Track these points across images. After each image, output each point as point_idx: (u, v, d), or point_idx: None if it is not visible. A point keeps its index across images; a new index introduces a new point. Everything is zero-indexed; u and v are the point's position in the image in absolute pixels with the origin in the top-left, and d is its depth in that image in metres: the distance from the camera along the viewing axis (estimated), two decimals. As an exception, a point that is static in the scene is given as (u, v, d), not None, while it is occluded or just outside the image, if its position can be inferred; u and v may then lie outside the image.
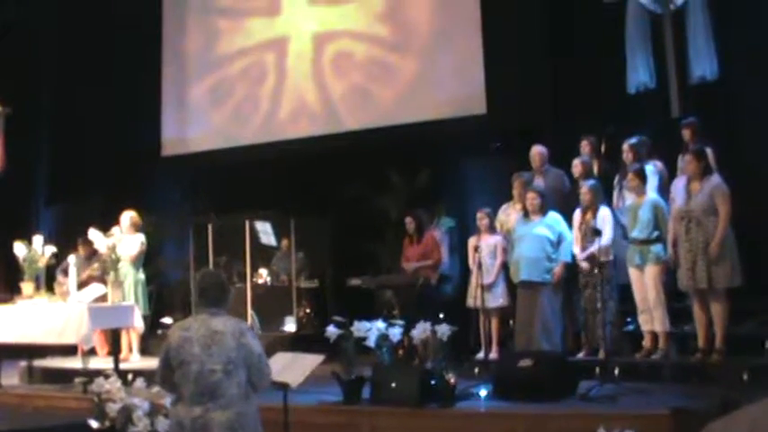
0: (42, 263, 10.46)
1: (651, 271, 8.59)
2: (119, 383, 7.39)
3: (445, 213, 11.97)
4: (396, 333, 8.16)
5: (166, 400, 6.68)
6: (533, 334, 9.08)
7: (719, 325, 8.15)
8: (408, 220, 10.84)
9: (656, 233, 8.60)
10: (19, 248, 10.29)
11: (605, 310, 8.71)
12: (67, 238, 11.97)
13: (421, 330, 7.90)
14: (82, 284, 10.50)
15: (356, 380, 7.89)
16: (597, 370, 8.49)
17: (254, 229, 13.27)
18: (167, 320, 12.35)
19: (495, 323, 9.91)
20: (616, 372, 8.39)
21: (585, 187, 9.18)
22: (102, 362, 10.16)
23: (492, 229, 10.06)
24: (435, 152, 12.52)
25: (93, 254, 11.31)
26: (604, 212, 9.04)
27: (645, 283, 8.65)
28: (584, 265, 9.08)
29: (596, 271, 8.84)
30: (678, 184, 8.51)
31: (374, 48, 13.66)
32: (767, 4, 9.91)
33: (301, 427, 6.71)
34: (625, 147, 9.32)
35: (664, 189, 9.08)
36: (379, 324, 8.20)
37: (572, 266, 9.25)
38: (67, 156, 14.67)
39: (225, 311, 5.38)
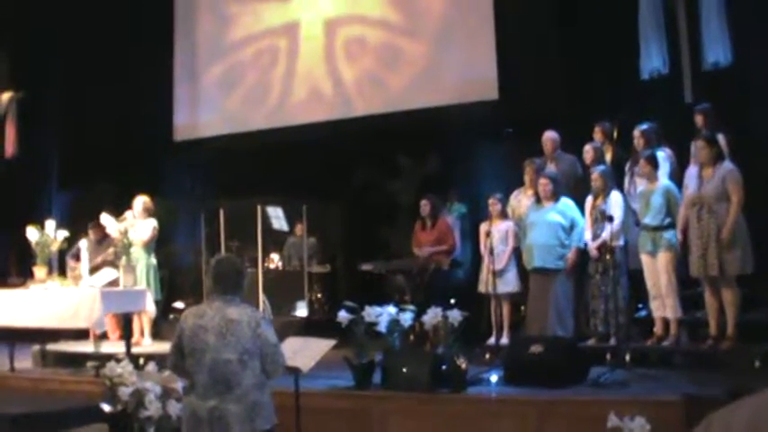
0: (55, 247, 10.46)
1: (663, 257, 8.57)
2: (130, 367, 7.40)
3: (457, 199, 11.96)
4: (407, 318, 8.16)
5: (178, 385, 6.70)
6: (547, 320, 9.09)
7: (731, 312, 8.13)
8: (424, 203, 10.83)
9: (667, 220, 8.58)
10: (31, 233, 10.31)
11: (615, 295, 8.70)
12: (80, 223, 11.98)
13: (432, 315, 7.90)
14: (95, 269, 10.53)
15: (367, 365, 7.90)
16: (608, 356, 8.50)
17: (265, 214, 13.31)
18: (179, 305, 12.38)
19: (506, 309, 9.92)
20: (627, 358, 8.38)
21: (596, 173, 9.16)
22: (114, 346, 10.19)
23: (504, 214, 10.06)
24: (447, 137, 12.51)
25: (103, 238, 11.36)
26: (615, 197, 9.02)
27: (657, 270, 8.63)
28: (594, 252, 9.07)
29: (607, 257, 8.83)
30: (691, 171, 8.49)
31: (386, 33, 13.64)
32: (782, -10, 9.87)
33: (312, 412, 6.73)
34: (636, 133, 9.30)
35: (674, 175, 9.06)
36: (391, 309, 8.20)
37: (585, 252, 9.24)
38: (80, 140, 14.68)
39: (239, 299, 5.38)
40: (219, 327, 5.14)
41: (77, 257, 10.60)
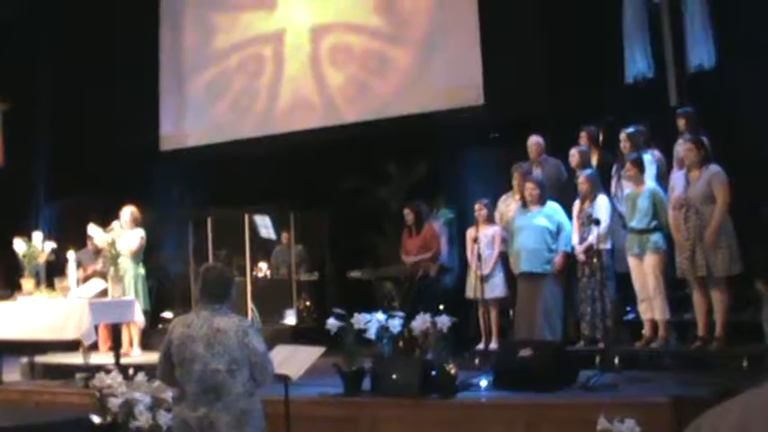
0: (42, 259, 10.45)
1: (650, 260, 8.59)
2: (120, 378, 7.39)
3: (444, 204, 11.97)
4: (396, 325, 8.16)
5: (168, 395, 6.70)
6: (535, 324, 9.09)
7: (720, 313, 8.15)
8: (407, 211, 10.84)
9: (654, 222, 8.60)
10: (18, 245, 10.29)
11: (603, 298, 8.72)
12: (67, 234, 11.96)
13: (421, 322, 7.90)
14: (88, 279, 10.52)
15: (357, 372, 7.90)
16: (597, 359, 8.51)
17: (253, 222, 13.29)
18: (168, 315, 12.36)
19: (494, 314, 9.92)
20: (616, 360, 8.41)
21: (583, 177, 9.18)
22: (104, 357, 10.16)
23: (490, 219, 10.06)
24: (434, 143, 12.52)
25: (101, 248, 11.33)
26: (602, 200, 9.04)
27: (644, 272, 8.65)
28: (582, 256, 9.08)
29: (594, 260, 8.85)
30: (678, 174, 8.53)
31: (371, 40, 13.65)
32: (764, -7, 9.91)
33: (302, 420, 6.73)
34: (622, 136, 9.31)
35: (662, 178, 9.09)
36: (380, 316, 8.20)
37: (572, 256, 9.26)
38: (67, 151, 14.65)
39: (227, 307, 5.38)
40: (207, 336, 5.14)
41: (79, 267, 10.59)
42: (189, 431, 5.13)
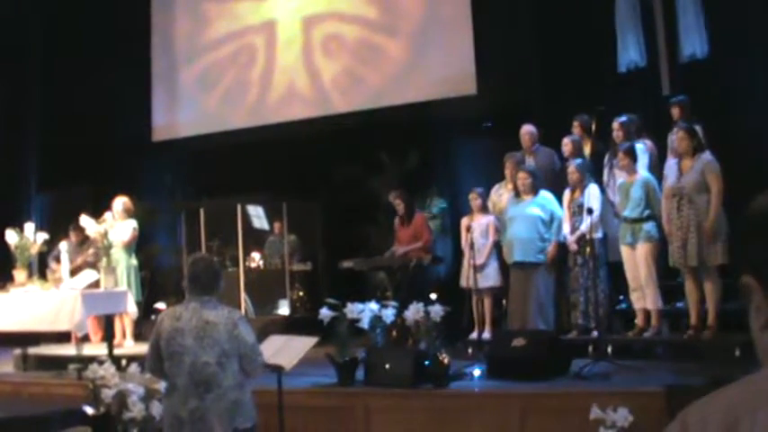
0: (34, 250, 10.43)
1: (643, 249, 8.59)
2: (113, 369, 7.39)
3: (437, 194, 11.96)
4: (389, 314, 8.17)
5: (161, 385, 6.69)
6: (528, 314, 9.10)
7: (712, 302, 8.16)
8: (397, 201, 10.80)
9: (647, 212, 8.59)
10: (10, 236, 10.26)
11: (595, 287, 8.73)
12: (59, 225, 11.94)
13: (414, 311, 7.90)
14: (76, 270, 10.49)
15: (350, 362, 7.89)
16: (590, 348, 8.52)
17: (246, 212, 13.28)
18: (161, 305, 12.33)
19: (487, 303, 9.92)
20: (609, 350, 8.42)
21: (572, 166, 9.18)
22: (96, 348, 10.14)
23: (484, 209, 10.05)
24: (426, 133, 12.51)
25: (84, 240, 11.31)
26: (593, 189, 9.03)
27: (636, 262, 8.65)
28: (573, 246, 9.08)
29: (586, 249, 8.85)
30: (670, 163, 8.52)
31: (363, 30, 13.63)
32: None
33: (296, 410, 6.75)
34: (615, 125, 9.30)
35: (654, 167, 9.09)
36: (373, 306, 8.20)
37: (564, 245, 9.26)
38: (58, 142, 14.62)
39: (216, 299, 5.36)
40: (197, 329, 5.13)
41: (59, 259, 10.56)
42: (180, 424, 5.13)
